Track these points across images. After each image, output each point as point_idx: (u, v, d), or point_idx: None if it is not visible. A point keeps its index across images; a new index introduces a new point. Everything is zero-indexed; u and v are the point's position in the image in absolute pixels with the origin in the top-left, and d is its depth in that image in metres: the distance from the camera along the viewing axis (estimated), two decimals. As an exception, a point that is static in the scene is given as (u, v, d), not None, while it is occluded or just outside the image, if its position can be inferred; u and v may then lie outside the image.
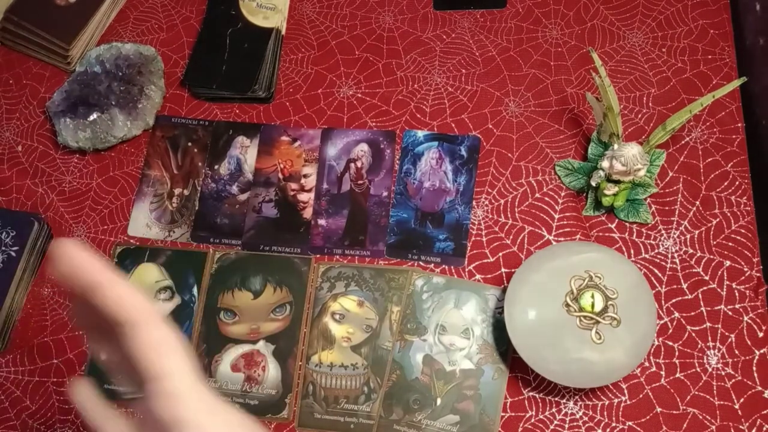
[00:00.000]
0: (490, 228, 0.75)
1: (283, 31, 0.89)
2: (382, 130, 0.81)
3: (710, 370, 0.67)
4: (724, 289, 0.70)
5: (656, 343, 0.68)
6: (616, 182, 0.70)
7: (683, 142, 0.76)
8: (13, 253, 0.77)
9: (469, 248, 0.74)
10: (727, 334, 0.68)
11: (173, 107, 0.86)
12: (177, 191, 0.82)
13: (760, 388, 0.66)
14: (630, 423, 0.66)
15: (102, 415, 0.41)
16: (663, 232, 0.73)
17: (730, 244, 0.71)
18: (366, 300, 0.73)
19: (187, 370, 0.35)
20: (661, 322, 0.69)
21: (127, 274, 0.78)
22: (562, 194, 0.76)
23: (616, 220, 0.74)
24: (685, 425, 0.65)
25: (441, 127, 0.81)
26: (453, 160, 0.78)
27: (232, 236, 0.78)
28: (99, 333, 0.39)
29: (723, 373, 0.67)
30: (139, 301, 0.35)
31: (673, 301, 0.70)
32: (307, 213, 0.78)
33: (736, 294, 0.69)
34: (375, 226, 0.77)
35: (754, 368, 0.66)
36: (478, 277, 0.73)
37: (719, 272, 0.70)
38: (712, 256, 0.71)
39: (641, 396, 0.67)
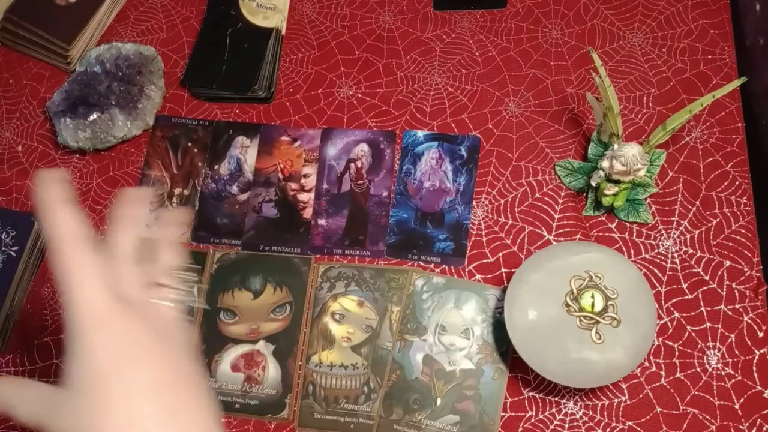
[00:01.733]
0: (490, 228, 0.75)
1: (283, 31, 0.89)
2: (382, 130, 0.81)
3: (710, 370, 0.67)
4: (724, 289, 0.70)
5: (656, 343, 0.68)
6: (616, 182, 0.70)
7: (683, 142, 0.76)
8: (13, 253, 0.77)
9: (469, 248, 0.74)
10: (727, 334, 0.68)
11: (173, 107, 0.86)
12: (177, 191, 0.82)
13: (760, 388, 0.66)
14: (630, 423, 0.66)
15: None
16: (663, 232, 0.73)
17: (730, 244, 0.71)
18: (366, 300, 0.73)
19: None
20: (661, 322, 0.69)
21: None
22: (562, 194, 0.76)
23: (616, 220, 0.74)
24: (685, 425, 0.65)
25: (441, 127, 0.81)
26: (453, 160, 0.78)
27: (232, 236, 0.78)
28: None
29: (723, 373, 0.67)
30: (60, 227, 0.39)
31: (673, 301, 0.70)
32: (307, 213, 0.78)
33: (736, 294, 0.69)
34: (375, 226, 0.77)
35: (754, 368, 0.66)
36: (478, 277, 0.73)
37: (719, 272, 0.70)
38: (712, 256, 0.71)
39: (641, 396, 0.67)
